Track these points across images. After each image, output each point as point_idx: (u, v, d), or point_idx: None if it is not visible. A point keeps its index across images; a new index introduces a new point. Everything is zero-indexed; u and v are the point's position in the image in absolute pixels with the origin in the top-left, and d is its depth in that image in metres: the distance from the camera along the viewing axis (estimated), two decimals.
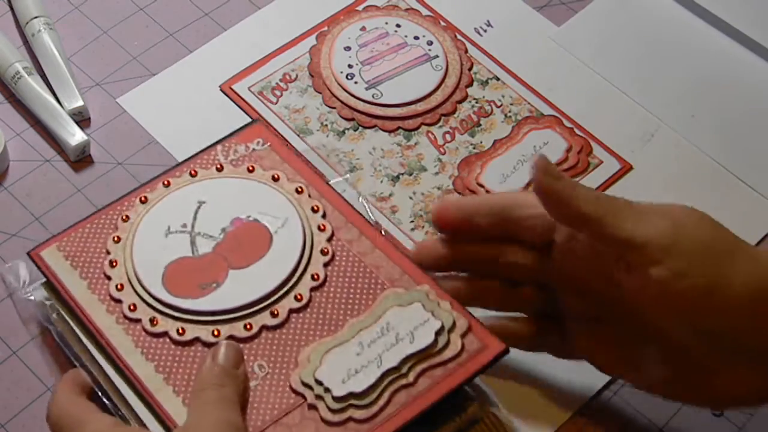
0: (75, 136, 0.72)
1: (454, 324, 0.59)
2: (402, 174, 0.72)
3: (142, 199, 0.65)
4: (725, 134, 0.76)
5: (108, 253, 0.63)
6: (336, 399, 0.57)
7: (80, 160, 0.72)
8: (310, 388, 0.57)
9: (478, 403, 0.60)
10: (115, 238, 0.63)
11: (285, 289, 0.61)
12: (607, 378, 0.64)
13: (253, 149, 0.67)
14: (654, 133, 0.75)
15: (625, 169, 0.73)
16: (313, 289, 0.61)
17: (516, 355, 0.63)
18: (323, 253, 0.63)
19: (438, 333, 0.59)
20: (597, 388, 0.64)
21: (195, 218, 0.64)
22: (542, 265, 0.60)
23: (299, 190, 0.65)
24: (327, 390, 0.57)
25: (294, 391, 0.58)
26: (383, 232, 0.65)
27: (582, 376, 0.64)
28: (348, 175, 0.70)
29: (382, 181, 0.72)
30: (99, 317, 0.60)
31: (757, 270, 0.53)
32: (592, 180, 0.72)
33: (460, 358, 0.58)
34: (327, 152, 0.72)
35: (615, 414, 0.63)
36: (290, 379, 0.58)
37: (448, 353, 0.58)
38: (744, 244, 0.55)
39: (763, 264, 0.54)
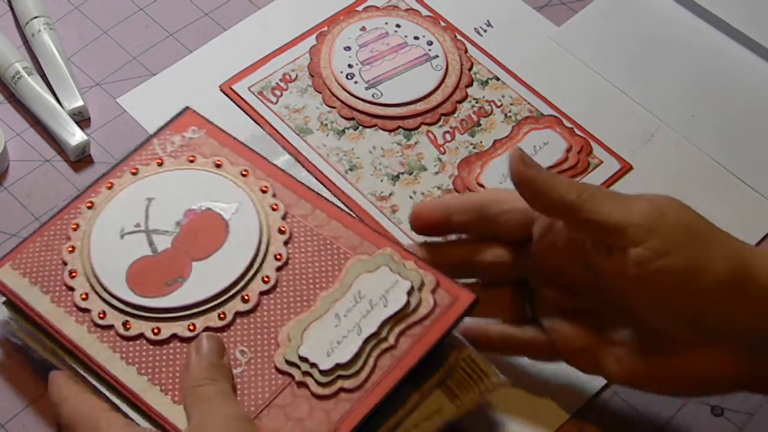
0: (75, 136, 0.72)
1: (422, 282, 0.60)
2: (402, 173, 0.72)
3: (89, 205, 0.64)
4: (725, 134, 0.76)
5: (65, 264, 0.62)
6: (323, 373, 0.57)
7: (80, 160, 0.72)
8: (296, 366, 0.58)
9: (457, 350, 0.60)
10: (70, 248, 0.62)
11: (251, 273, 0.61)
12: None
13: (190, 138, 0.67)
14: (654, 133, 0.75)
15: (625, 169, 0.73)
16: (278, 269, 0.62)
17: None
18: (281, 232, 0.63)
19: (409, 293, 0.59)
20: (598, 388, 0.64)
21: (147, 216, 0.63)
22: (520, 260, 0.61)
23: (244, 173, 0.65)
24: (313, 365, 0.57)
25: (280, 371, 0.58)
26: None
27: (583, 375, 0.64)
28: (288, 156, 0.69)
29: (382, 181, 0.72)
30: (69, 329, 0.60)
31: (732, 252, 0.55)
32: (592, 180, 0.72)
33: (434, 313, 0.59)
34: (327, 151, 0.73)
35: (615, 414, 0.63)
36: (274, 360, 0.58)
37: (422, 311, 0.59)
38: (720, 231, 0.56)
39: (739, 250, 0.55)
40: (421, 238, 0.63)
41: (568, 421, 0.63)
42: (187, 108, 0.69)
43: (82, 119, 0.74)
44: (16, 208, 0.70)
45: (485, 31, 0.80)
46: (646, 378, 0.58)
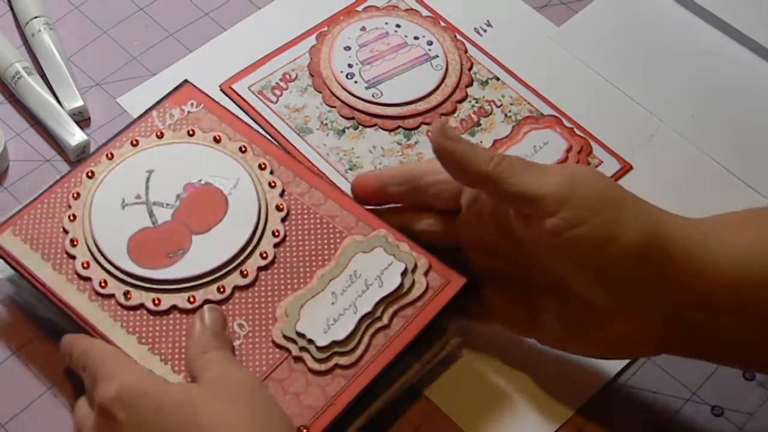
0: (75, 136, 0.72)
1: (416, 264, 0.61)
2: None
3: (89, 174, 0.65)
4: (725, 134, 0.76)
5: (66, 232, 0.63)
6: (320, 349, 0.59)
7: (80, 160, 0.72)
8: (294, 341, 0.59)
9: (455, 321, 0.62)
10: (71, 217, 0.63)
11: (249, 248, 0.62)
12: (608, 378, 0.64)
13: (188, 112, 0.68)
14: (654, 133, 0.75)
15: (625, 169, 0.73)
16: (275, 246, 0.63)
17: (518, 352, 0.64)
18: (278, 209, 0.64)
19: (403, 275, 0.61)
20: (597, 388, 0.64)
21: (147, 188, 0.64)
22: (453, 229, 0.63)
23: (243, 149, 0.66)
24: (310, 341, 0.59)
25: (277, 345, 0.59)
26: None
27: (582, 375, 0.64)
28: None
29: None
30: (71, 297, 0.61)
31: (645, 222, 0.56)
32: None
33: (427, 295, 0.61)
34: (327, 151, 0.73)
35: (615, 414, 0.63)
36: (272, 334, 0.60)
37: (415, 292, 0.61)
38: (636, 200, 0.57)
39: (650, 216, 0.57)
40: None
41: (567, 421, 0.63)
42: (185, 81, 0.69)
43: (82, 119, 0.74)
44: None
45: (485, 31, 0.80)
46: (568, 342, 0.61)
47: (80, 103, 0.73)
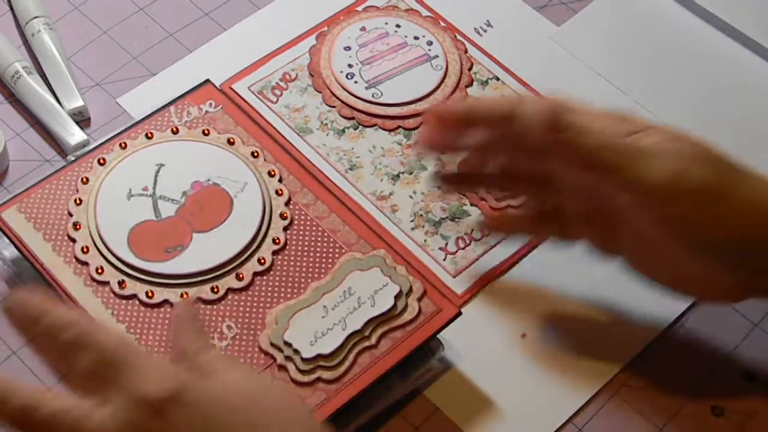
0: (75, 135, 0.72)
1: (410, 288, 0.62)
2: (402, 173, 0.72)
3: (101, 161, 0.66)
4: (725, 134, 0.75)
5: (70, 215, 0.64)
6: (305, 360, 0.59)
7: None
8: (280, 349, 0.60)
9: (442, 346, 0.63)
10: (77, 201, 0.64)
11: (248, 252, 0.63)
12: (607, 377, 0.64)
13: (206, 111, 0.68)
14: None
15: None
16: (274, 253, 0.63)
17: (518, 354, 0.64)
18: (282, 217, 0.65)
19: (397, 297, 0.61)
20: (597, 388, 0.64)
21: (156, 181, 0.65)
22: (545, 166, 0.62)
23: (255, 154, 0.67)
24: (296, 352, 0.59)
25: (263, 351, 0.60)
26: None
27: (582, 375, 0.64)
28: None
29: (382, 180, 0.72)
30: (66, 279, 0.61)
31: (755, 204, 0.57)
32: None
33: (418, 320, 0.61)
34: (327, 151, 0.73)
35: (614, 413, 0.63)
36: (259, 340, 0.60)
37: (406, 316, 0.61)
38: (742, 177, 0.58)
39: (761, 197, 0.57)
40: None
41: (568, 419, 0.63)
42: (207, 80, 0.70)
43: (82, 119, 0.74)
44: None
45: (485, 31, 0.80)
46: (653, 273, 0.62)
47: (80, 103, 0.73)
